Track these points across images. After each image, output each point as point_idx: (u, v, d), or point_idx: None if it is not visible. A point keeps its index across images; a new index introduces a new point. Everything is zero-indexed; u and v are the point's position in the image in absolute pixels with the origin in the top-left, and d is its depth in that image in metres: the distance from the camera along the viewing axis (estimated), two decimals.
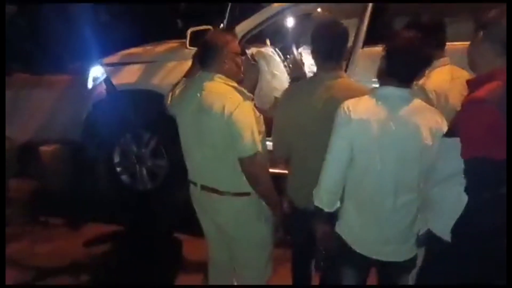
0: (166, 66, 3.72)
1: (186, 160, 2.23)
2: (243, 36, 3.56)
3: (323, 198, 1.90)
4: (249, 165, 2.00)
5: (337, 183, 1.88)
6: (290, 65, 4.52)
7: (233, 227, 2.19)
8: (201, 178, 2.16)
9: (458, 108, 2.13)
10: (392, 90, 1.81)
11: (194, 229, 2.48)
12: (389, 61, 1.81)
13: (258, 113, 2.09)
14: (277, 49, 4.40)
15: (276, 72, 4.04)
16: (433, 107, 1.91)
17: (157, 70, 3.74)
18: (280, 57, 4.34)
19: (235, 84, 2.06)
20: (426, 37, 1.82)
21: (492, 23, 1.59)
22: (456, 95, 2.20)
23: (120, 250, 3.50)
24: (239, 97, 2.00)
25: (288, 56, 4.62)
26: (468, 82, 1.70)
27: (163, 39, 4.49)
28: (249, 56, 3.90)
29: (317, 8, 4.26)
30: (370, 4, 3.32)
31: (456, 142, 1.56)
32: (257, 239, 2.20)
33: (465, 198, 1.53)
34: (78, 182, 4.35)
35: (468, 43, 1.70)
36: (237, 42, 2.17)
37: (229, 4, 3.33)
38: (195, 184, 2.19)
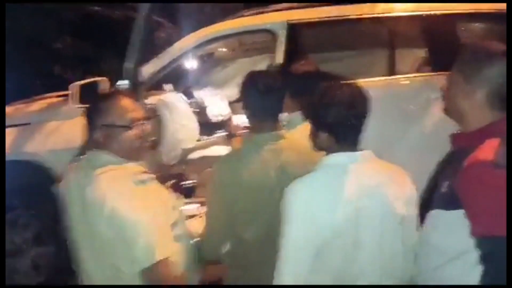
0: (45, 128, 2.98)
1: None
2: (142, 84, 2.97)
3: None
4: (149, 282, 1.43)
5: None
6: (197, 110, 4.04)
7: None
8: None
9: None
10: (344, 158, 1.42)
11: None
12: (332, 125, 1.41)
13: (170, 196, 1.58)
14: (180, 94, 3.88)
15: (182, 122, 3.51)
16: (397, 166, 1.54)
17: (33, 134, 2.97)
18: (185, 102, 3.82)
19: (126, 165, 1.52)
20: None
21: (489, 66, 1.23)
22: None
23: None
24: (123, 187, 1.45)
25: (193, 101, 4.13)
26: (456, 137, 1.34)
27: (39, 91, 3.71)
28: (150, 108, 3.32)
29: (221, 47, 3.86)
30: (284, 39, 2.98)
31: (459, 214, 1.19)
32: None
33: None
34: None
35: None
36: (124, 105, 1.57)
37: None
38: None
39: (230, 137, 3.75)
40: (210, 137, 3.95)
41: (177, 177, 3.47)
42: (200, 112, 4.08)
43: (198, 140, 3.79)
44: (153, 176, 1.55)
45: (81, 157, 1.63)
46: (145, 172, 1.53)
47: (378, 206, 1.39)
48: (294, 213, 1.37)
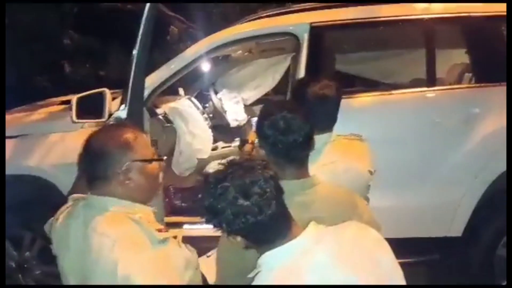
0: (46, 140, 2.73)
1: None
2: (153, 91, 2.72)
3: None
4: None
5: None
6: (210, 115, 3.78)
7: None
8: None
9: None
10: (274, 260, 1.10)
11: None
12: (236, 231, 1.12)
13: (185, 253, 1.32)
14: (193, 99, 3.63)
15: (196, 131, 3.26)
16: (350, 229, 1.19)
17: (33, 146, 2.73)
18: (198, 108, 3.57)
19: (140, 215, 1.28)
20: None
21: None
22: None
23: None
24: (140, 252, 1.21)
25: (206, 105, 3.87)
26: None
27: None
28: (161, 117, 3.08)
29: (238, 50, 3.57)
30: (307, 43, 2.68)
31: None
32: None
33: None
34: None
35: None
36: (144, 137, 1.36)
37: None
38: None
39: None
40: (225, 145, 3.70)
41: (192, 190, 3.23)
42: (215, 117, 3.83)
43: (214, 149, 3.55)
44: (171, 234, 1.31)
45: (75, 196, 1.37)
46: (163, 229, 1.30)
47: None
48: None
